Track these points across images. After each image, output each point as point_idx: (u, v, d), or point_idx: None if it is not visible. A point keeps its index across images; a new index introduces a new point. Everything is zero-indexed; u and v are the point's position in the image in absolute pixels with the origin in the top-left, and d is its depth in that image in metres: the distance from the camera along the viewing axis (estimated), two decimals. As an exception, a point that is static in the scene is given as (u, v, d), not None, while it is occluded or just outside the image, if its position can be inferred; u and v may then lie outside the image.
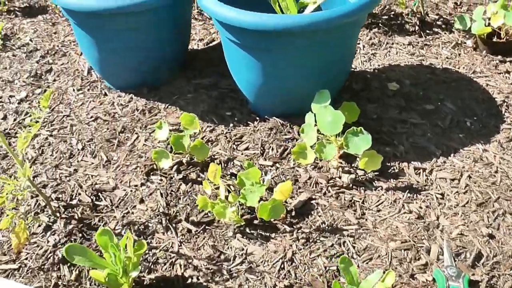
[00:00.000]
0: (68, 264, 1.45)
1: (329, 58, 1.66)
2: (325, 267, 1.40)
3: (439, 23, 2.34)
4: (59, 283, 1.41)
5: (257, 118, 1.88)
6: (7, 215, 1.43)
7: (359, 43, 2.24)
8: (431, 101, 1.90)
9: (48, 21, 2.64)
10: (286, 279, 1.38)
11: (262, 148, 1.77)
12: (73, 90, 2.11)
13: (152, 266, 1.44)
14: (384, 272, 1.24)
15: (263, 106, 1.86)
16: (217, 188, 1.58)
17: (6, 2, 2.78)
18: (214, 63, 2.19)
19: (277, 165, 1.71)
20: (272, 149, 1.76)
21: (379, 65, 2.11)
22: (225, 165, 1.73)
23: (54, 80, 2.17)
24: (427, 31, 2.29)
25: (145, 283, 1.41)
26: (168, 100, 2.00)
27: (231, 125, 1.87)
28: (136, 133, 1.88)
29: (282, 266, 1.41)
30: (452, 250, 1.40)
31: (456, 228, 1.47)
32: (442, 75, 2.02)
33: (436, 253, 1.40)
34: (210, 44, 2.33)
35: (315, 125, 1.61)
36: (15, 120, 2.00)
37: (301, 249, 1.45)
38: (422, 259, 1.40)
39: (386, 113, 1.86)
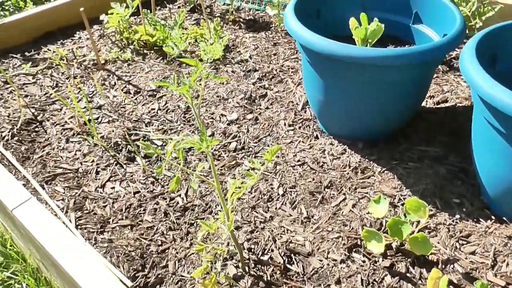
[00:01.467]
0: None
1: None
2: None
3: None
4: None
5: (492, 217, 1.54)
6: (201, 264, 1.31)
7: None
8: None
9: (270, 39, 2.56)
10: None
11: (493, 259, 1.43)
12: (284, 124, 1.96)
13: None
14: None
15: (504, 205, 1.50)
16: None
17: (234, 12, 2.77)
18: (445, 129, 1.88)
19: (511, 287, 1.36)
20: (508, 264, 1.41)
21: None
22: (443, 266, 1.42)
23: (267, 108, 2.05)
24: None
25: None
26: (386, 163, 1.75)
27: (458, 216, 1.55)
28: (344, 194, 1.66)
29: None
30: None
31: None
32: None
33: None
34: (442, 105, 2.02)
35: None
36: (220, 142, 1.92)
37: None
38: None
39: None
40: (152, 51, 2.49)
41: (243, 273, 1.43)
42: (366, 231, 1.44)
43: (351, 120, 1.77)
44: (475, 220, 1.54)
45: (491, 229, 1.50)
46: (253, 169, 1.71)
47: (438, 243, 1.48)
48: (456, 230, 1.51)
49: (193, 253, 1.49)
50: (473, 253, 1.45)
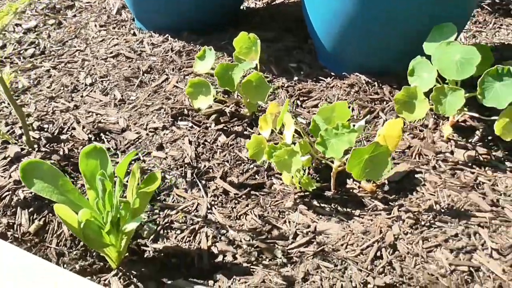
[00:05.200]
0: (30, 209, 0.89)
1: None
2: (450, 265, 0.80)
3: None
4: (9, 234, 0.85)
5: (332, 74, 1.34)
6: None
7: (460, 19, 1.72)
8: None
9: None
10: (386, 274, 0.78)
11: (337, 106, 1.22)
12: (95, 25, 1.61)
13: (162, 232, 0.87)
14: None
15: (343, 56, 1.31)
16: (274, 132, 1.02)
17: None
18: (277, 19, 1.68)
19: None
20: (353, 109, 1.21)
21: (486, 44, 1.57)
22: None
23: (74, 16, 1.68)
24: (545, 20, 1.76)
25: (146, 255, 0.84)
26: (216, 44, 1.48)
27: (296, 78, 1.33)
28: (166, 75, 1.35)
29: (379, 253, 0.82)
30: None
31: None
32: None
33: None
34: (272, 4, 1.83)
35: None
36: (14, 49, 1.50)
37: (407, 233, 0.86)
38: None
39: None
40: None
41: (29, 150, 1.03)
42: (191, 84, 1.14)
43: (172, 4, 1.48)
44: (314, 79, 1.33)
45: (332, 84, 1.30)
46: None
47: (279, 102, 1.24)
48: (296, 89, 1.28)
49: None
50: (316, 106, 1.23)
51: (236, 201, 0.95)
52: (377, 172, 0.85)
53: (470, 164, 1.03)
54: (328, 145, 0.89)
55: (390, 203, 0.93)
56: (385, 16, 1.16)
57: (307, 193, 0.96)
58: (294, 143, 0.94)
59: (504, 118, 0.99)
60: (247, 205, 0.94)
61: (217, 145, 1.09)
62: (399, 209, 0.90)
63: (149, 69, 1.37)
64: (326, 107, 0.94)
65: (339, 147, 0.88)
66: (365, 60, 1.29)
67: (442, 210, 0.91)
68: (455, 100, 1.00)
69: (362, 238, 0.84)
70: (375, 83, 1.27)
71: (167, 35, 1.53)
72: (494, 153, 1.06)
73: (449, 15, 1.14)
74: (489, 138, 1.10)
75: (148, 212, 0.91)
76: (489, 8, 1.77)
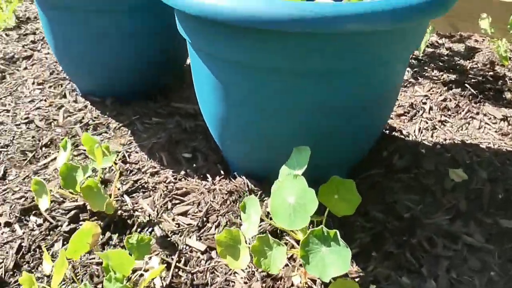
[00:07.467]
0: None
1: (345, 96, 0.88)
2: None
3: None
4: None
5: (222, 172, 1.15)
6: None
7: (425, 102, 1.42)
8: (514, 214, 1.03)
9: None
10: None
11: (205, 218, 1.03)
12: (33, 83, 1.55)
13: None
14: None
15: (234, 155, 1.13)
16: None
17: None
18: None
19: (212, 254, 0.96)
20: (219, 224, 1.02)
21: (445, 139, 1.27)
22: (139, 229, 1.02)
23: (25, 68, 1.64)
24: (540, 108, 1.40)
25: None
26: (126, 119, 1.35)
27: (182, 173, 1.16)
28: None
29: None
30: None
31: None
32: (548, 177, 1.13)
33: None
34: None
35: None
36: (-46, 103, 1.48)
37: None
38: None
39: (428, 215, 1.02)
40: None
41: None
42: (36, 182, 1.02)
43: (98, 69, 1.37)
44: (201, 177, 1.15)
45: (215, 186, 1.11)
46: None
47: (148, 204, 1.08)
48: (174, 188, 1.12)
49: None
50: (185, 213, 1.06)
51: None
52: None
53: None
54: (87, 306, 0.73)
55: None
56: (257, 128, 0.96)
57: None
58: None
59: (335, 292, 0.75)
60: None
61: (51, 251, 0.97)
62: None
63: (49, 143, 1.28)
64: (102, 254, 0.77)
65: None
66: (250, 164, 1.09)
67: None
68: (278, 255, 0.78)
69: None
70: (261, 190, 1.07)
71: (87, 102, 1.42)
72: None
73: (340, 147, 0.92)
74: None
75: None
76: (472, 90, 1.45)
